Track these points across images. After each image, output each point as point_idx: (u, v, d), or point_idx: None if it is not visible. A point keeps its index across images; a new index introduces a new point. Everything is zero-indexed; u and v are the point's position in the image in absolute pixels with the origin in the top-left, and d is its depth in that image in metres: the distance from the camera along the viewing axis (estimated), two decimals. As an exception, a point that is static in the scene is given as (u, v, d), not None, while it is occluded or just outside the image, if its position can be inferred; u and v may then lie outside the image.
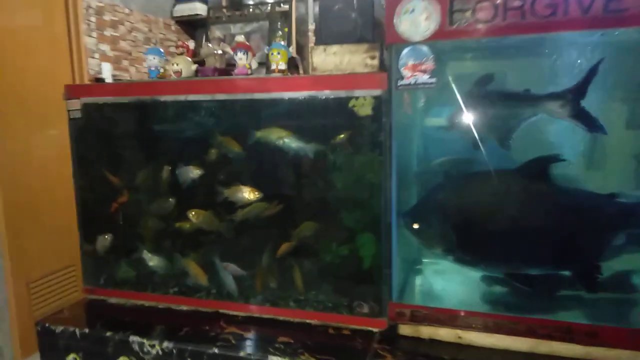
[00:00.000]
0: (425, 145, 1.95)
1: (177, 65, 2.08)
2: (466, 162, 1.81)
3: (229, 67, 2.19)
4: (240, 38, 2.19)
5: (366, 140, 1.81)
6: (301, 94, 1.83)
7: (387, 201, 1.77)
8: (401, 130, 1.72)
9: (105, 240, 2.21)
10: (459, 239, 1.84)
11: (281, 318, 1.97)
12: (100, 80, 4.96)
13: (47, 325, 1.99)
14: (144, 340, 1.85)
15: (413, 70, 1.66)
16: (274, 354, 1.70)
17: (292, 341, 1.80)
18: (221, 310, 2.06)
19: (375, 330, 1.85)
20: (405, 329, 1.81)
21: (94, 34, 5.01)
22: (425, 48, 1.64)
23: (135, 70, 5.63)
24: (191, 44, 2.24)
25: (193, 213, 2.08)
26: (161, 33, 6.08)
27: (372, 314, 1.86)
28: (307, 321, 1.94)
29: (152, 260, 2.19)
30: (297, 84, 1.82)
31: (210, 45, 2.09)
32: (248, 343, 1.80)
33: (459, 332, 1.73)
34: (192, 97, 1.99)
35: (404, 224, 1.88)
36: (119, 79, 5.21)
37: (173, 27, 6.31)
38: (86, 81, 4.89)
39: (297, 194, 2.03)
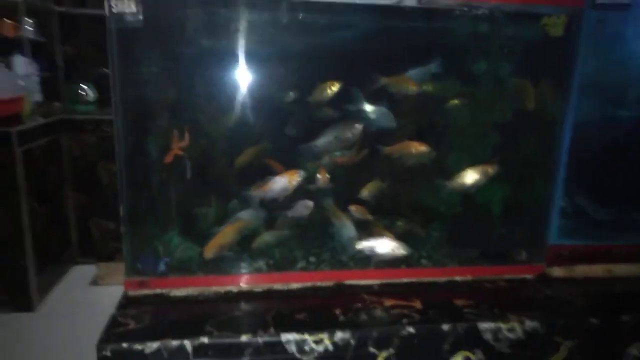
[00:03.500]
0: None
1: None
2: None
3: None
4: None
5: (550, 66, 1.58)
6: (481, 6, 1.48)
7: (559, 137, 1.60)
8: (588, 58, 1.55)
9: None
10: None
11: (425, 280, 1.63)
12: None
13: (124, 345, 1.21)
14: (306, 336, 1.30)
15: (611, -14, 1.50)
16: (486, 320, 1.39)
17: (471, 302, 1.51)
18: (346, 282, 1.59)
19: (529, 276, 1.69)
20: (558, 271, 1.71)
21: None
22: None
23: None
24: None
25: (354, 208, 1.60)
26: None
27: (529, 260, 1.70)
28: (455, 278, 1.65)
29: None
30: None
31: None
32: (431, 314, 1.42)
33: (610, 266, 1.73)
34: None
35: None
36: None
37: None
38: None
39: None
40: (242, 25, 1.47)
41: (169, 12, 1.36)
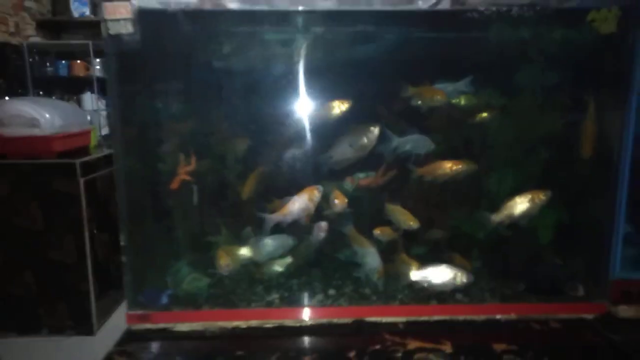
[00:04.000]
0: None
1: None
2: None
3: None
4: None
5: (604, 69, 1.34)
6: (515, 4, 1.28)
7: (622, 155, 1.34)
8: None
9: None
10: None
11: (460, 318, 1.40)
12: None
13: (111, 386, 1.11)
14: (310, 383, 1.13)
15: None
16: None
17: (513, 347, 1.26)
18: (367, 319, 1.40)
19: (588, 317, 1.41)
20: (626, 311, 1.41)
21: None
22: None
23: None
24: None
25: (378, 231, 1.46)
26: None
27: (588, 296, 1.42)
28: (496, 317, 1.41)
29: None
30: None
31: None
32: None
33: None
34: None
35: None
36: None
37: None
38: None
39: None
40: (252, 42, 1.37)
41: (168, 31, 1.28)
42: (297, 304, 1.41)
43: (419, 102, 1.45)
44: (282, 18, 1.36)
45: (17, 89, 4.59)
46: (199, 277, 1.41)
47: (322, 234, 1.45)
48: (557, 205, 1.50)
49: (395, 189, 1.60)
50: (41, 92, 4.32)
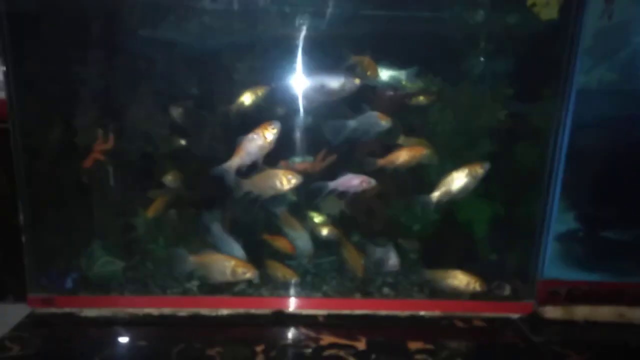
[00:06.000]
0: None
1: None
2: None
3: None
4: None
5: (544, 58, 1.22)
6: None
7: (556, 149, 1.22)
8: (595, 49, 1.16)
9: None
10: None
11: (383, 313, 1.30)
12: None
13: (-11, 376, 1.00)
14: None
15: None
16: (438, 374, 1.05)
17: (429, 346, 1.16)
18: (286, 311, 1.29)
19: (513, 316, 1.31)
20: (552, 312, 1.31)
21: None
22: None
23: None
24: None
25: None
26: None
27: (515, 296, 1.32)
28: (420, 314, 1.31)
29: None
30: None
31: None
32: (373, 358, 1.10)
33: (623, 309, 1.31)
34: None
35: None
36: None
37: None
38: None
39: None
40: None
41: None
42: (216, 292, 1.30)
43: (360, 71, 1.32)
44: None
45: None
46: (113, 260, 1.29)
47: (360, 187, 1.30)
48: (495, 198, 1.40)
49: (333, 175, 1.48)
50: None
